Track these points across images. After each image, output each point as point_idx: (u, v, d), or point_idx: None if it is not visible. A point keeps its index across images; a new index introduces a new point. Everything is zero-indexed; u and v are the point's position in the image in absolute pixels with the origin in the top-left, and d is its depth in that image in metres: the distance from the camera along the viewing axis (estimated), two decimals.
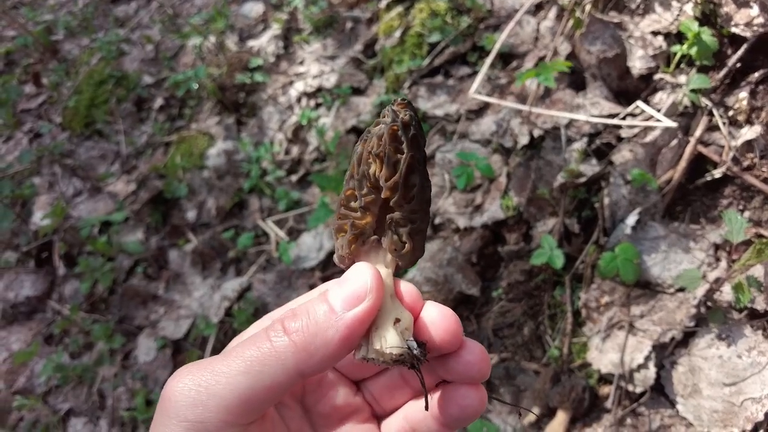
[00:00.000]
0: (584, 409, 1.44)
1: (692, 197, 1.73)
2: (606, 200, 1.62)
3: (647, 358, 1.43)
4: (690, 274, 1.41)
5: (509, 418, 1.55)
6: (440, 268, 1.74)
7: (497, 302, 1.72)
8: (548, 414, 1.50)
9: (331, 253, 2.13)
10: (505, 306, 1.70)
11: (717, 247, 1.55)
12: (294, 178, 2.41)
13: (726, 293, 1.47)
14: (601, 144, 1.78)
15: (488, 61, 1.98)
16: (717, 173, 1.66)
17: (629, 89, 1.83)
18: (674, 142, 1.66)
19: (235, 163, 2.60)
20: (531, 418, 1.51)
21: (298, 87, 2.62)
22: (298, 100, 2.58)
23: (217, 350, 2.21)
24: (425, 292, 1.73)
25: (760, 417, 1.31)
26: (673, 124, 1.64)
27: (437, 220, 1.92)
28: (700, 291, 1.46)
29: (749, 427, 1.32)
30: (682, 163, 1.64)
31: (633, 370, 1.43)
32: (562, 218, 1.67)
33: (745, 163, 1.66)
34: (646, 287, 1.58)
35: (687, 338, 1.47)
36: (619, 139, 1.75)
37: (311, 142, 2.44)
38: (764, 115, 1.60)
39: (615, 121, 1.72)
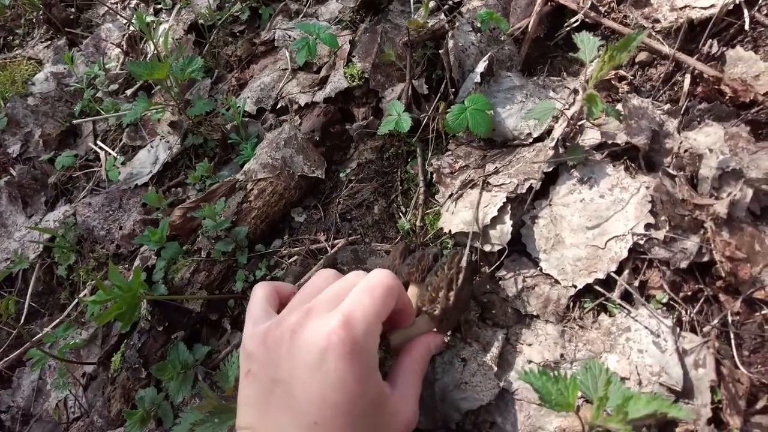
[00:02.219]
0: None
1: (553, 54, 1.53)
2: (451, 45, 1.37)
3: (502, 210, 1.20)
4: (543, 106, 1.19)
5: None
6: (277, 150, 1.44)
7: (347, 185, 1.45)
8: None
9: (167, 164, 1.78)
10: (355, 187, 1.43)
11: (577, 92, 1.35)
12: (129, 92, 2.03)
13: (589, 137, 1.27)
14: (452, 2, 1.54)
15: None
16: (575, 22, 1.47)
17: None
18: None
19: (65, 87, 2.18)
20: None
21: None
22: (136, 8, 2.20)
23: (39, 293, 1.81)
24: (262, 179, 1.43)
25: (624, 254, 1.11)
26: None
27: (279, 105, 1.62)
28: (558, 131, 1.26)
29: (614, 267, 1.11)
30: (536, 8, 1.44)
31: (487, 226, 1.20)
32: (409, 80, 1.42)
33: (603, 9, 1.48)
34: (503, 146, 1.36)
35: (547, 189, 1.26)
36: None
37: (149, 51, 2.07)
38: None
39: None
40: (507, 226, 1.19)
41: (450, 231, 1.23)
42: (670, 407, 0.75)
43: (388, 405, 0.73)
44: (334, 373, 0.64)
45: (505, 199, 1.20)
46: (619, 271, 1.12)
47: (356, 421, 0.64)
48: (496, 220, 1.20)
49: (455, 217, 1.24)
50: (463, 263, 1.12)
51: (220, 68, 1.92)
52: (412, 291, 1.20)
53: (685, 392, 1.00)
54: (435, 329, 1.14)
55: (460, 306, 1.11)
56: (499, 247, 1.19)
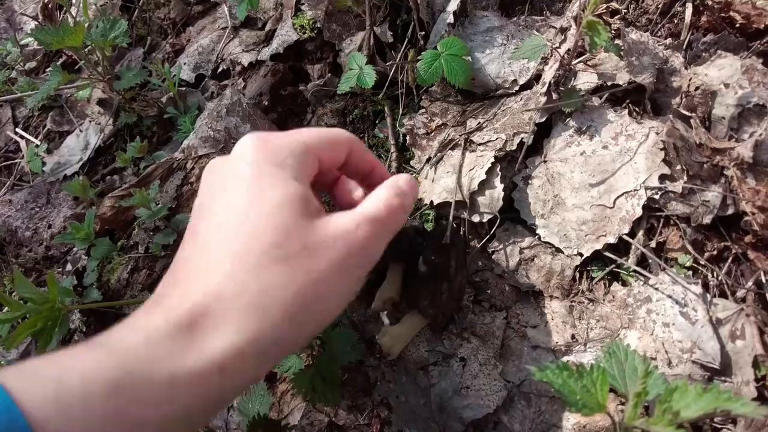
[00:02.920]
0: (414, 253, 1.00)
1: None
2: None
3: (490, 173, 1.00)
4: (532, 43, 0.99)
5: None
6: (219, 120, 1.21)
7: None
8: (380, 277, 1.05)
9: (99, 149, 1.53)
10: None
11: (565, 29, 1.15)
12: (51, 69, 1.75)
13: (584, 80, 1.08)
14: None
15: None
16: None
17: None
18: None
19: None
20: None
21: None
22: None
23: None
24: (203, 155, 1.20)
25: (637, 212, 0.94)
26: None
27: (220, 68, 1.39)
28: (550, 74, 1.06)
29: (626, 228, 0.94)
30: None
31: (474, 193, 1.01)
32: (370, 27, 1.20)
33: None
34: (485, 98, 1.16)
35: (540, 144, 1.07)
36: None
37: (70, 20, 1.79)
38: None
39: None
40: (497, 191, 1.00)
41: (432, 202, 1.03)
42: (731, 402, 0.58)
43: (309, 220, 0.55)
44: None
45: (493, 159, 1.01)
46: (632, 233, 0.94)
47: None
48: (484, 185, 1.00)
49: (436, 185, 1.04)
50: (453, 240, 0.93)
51: (153, 35, 1.66)
52: (393, 274, 1.01)
53: (723, 369, 0.83)
54: (428, 324, 0.95)
55: (454, 297, 0.92)
56: (490, 216, 1.00)
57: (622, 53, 1.01)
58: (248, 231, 0.51)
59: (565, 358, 0.90)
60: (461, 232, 0.98)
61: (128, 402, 0.42)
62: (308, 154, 0.60)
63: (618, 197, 0.96)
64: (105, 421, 0.41)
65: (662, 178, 0.94)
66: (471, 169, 1.02)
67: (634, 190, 0.95)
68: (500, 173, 1.01)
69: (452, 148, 1.08)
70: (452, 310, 0.94)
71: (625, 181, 0.96)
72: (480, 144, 1.05)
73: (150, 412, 0.43)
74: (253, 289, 0.48)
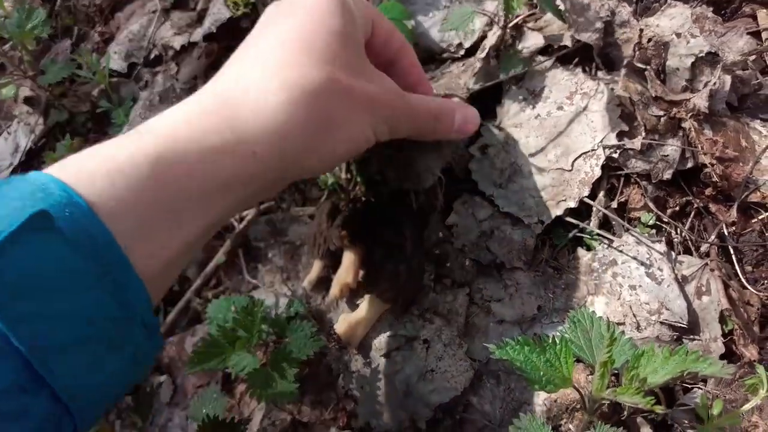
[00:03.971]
0: None
1: None
2: None
3: None
4: (460, 12, 0.92)
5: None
6: (152, 109, 1.12)
7: None
8: (334, 262, 0.99)
9: (30, 151, 1.42)
10: None
11: None
12: None
13: (530, 42, 1.02)
14: None
15: None
16: None
17: None
18: None
19: None
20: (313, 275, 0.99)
21: None
22: None
23: None
24: None
25: (597, 172, 0.90)
26: None
27: (153, 55, 1.29)
28: (491, 39, 1.00)
29: (586, 191, 0.89)
30: None
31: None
32: None
33: None
34: (431, 61, 1.09)
35: (492, 111, 1.01)
36: None
37: None
38: None
39: None
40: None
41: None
42: (698, 363, 0.55)
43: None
44: None
45: None
46: (592, 195, 0.90)
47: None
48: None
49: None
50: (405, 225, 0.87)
51: (80, 24, 1.54)
52: (348, 258, 0.95)
53: (691, 327, 0.80)
54: (389, 309, 0.90)
55: (414, 277, 0.87)
56: (432, 180, 0.94)
57: (566, 13, 0.96)
58: (298, 44, 0.53)
59: (531, 331, 0.86)
60: (414, 207, 0.93)
61: (174, 167, 0.46)
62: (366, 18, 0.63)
63: (576, 159, 0.91)
64: (153, 189, 0.45)
65: (620, 135, 0.90)
66: None
67: (592, 150, 0.90)
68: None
69: None
70: (413, 291, 0.89)
71: (583, 141, 0.91)
72: None
73: (194, 183, 0.47)
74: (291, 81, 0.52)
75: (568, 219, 0.91)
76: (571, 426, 0.76)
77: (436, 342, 0.86)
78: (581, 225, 0.90)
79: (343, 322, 0.88)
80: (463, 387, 0.82)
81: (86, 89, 1.39)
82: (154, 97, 1.11)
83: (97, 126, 1.36)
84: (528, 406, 0.80)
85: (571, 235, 0.92)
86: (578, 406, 0.75)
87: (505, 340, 0.60)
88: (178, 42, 1.19)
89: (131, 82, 1.31)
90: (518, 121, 0.97)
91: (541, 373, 0.59)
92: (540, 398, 0.79)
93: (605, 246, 0.89)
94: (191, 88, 1.13)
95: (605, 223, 0.90)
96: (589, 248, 0.91)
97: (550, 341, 0.61)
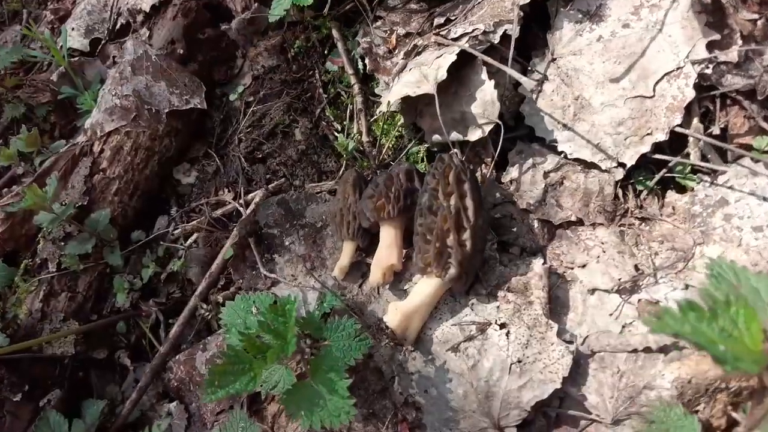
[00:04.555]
0: (415, 204, 0.75)
1: None
2: None
3: (472, 67, 0.76)
4: None
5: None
6: (124, 83, 0.92)
7: (245, 111, 0.96)
8: (368, 241, 0.80)
9: None
10: (258, 111, 0.94)
11: None
12: None
13: None
14: None
15: None
16: None
17: None
18: None
19: None
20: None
21: None
22: None
23: None
24: (112, 131, 0.91)
25: (688, 94, 0.72)
26: None
27: (119, 24, 1.08)
28: None
29: (678, 118, 0.72)
30: None
31: (453, 91, 0.76)
32: None
33: None
34: None
35: (543, 37, 0.83)
36: None
37: None
38: None
39: None
40: (489, 91, 0.75)
41: (389, 102, 0.77)
42: None
43: None
44: None
45: (467, 46, 0.76)
46: (685, 123, 0.73)
47: None
48: (469, 85, 0.76)
49: (395, 87, 0.79)
50: (461, 174, 0.68)
51: (30, 6, 1.32)
52: (389, 234, 0.76)
53: None
54: (450, 289, 0.71)
55: (478, 246, 0.68)
56: (490, 126, 0.76)
57: None
58: None
59: (635, 297, 0.68)
60: (461, 161, 0.74)
61: None
62: None
63: (657, 82, 0.73)
64: None
65: (710, 46, 0.73)
66: (438, 57, 0.76)
67: (677, 68, 0.72)
68: (485, 68, 0.77)
69: (418, 53, 0.83)
70: (479, 261, 0.70)
71: (663, 60, 0.74)
72: (453, 39, 0.80)
73: None
74: None
75: (656, 156, 0.74)
76: (712, 411, 0.58)
77: (516, 325, 0.68)
78: (675, 160, 0.72)
79: (395, 312, 0.69)
80: (562, 377, 0.64)
81: (44, 77, 1.18)
82: (125, 68, 0.91)
83: (62, 118, 1.15)
84: (650, 391, 0.62)
85: (659, 176, 0.74)
86: (722, 386, 0.58)
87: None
88: (147, 3, 0.99)
89: (96, 60, 1.11)
90: (576, 47, 0.79)
91: (721, 347, 0.41)
92: (667, 380, 0.61)
93: (707, 184, 0.72)
94: (169, 53, 0.93)
95: (703, 156, 0.73)
96: (683, 190, 0.74)
97: (722, 302, 0.43)
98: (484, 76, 0.75)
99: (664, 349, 0.63)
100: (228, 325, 0.69)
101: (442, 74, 0.72)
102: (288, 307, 0.60)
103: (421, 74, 0.74)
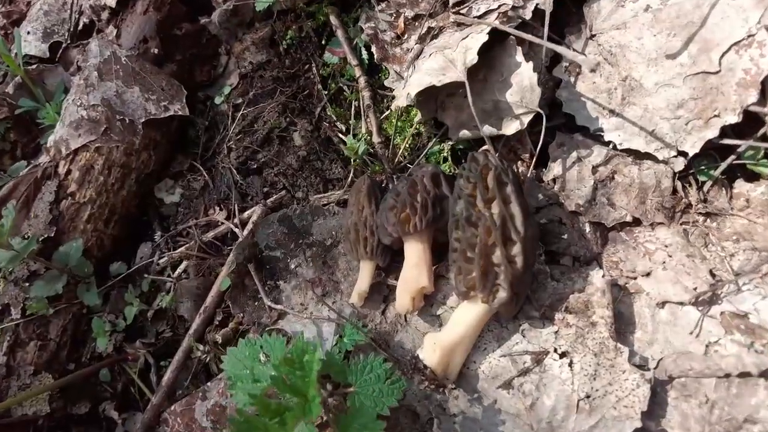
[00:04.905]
0: (444, 212, 0.64)
1: None
2: None
3: (503, 48, 0.65)
4: None
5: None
6: (90, 91, 0.79)
7: (233, 116, 0.83)
8: (390, 259, 0.68)
9: None
10: (248, 114, 0.82)
11: None
12: None
13: None
14: None
15: None
16: None
17: None
18: None
19: None
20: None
21: None
22: None
23: None
24: (80, 148, 0.78)
25: (765, 67, 0.61)
26: None
27: (81, 24, 0.95)
28: None
29: (753, 95, 0.61)
30: None
31: (484, 74, 0.65)
32: None
33: None
34: None
35: (578, 12, 0.72)
36: None
37: None
38: None
39: None
40: (527, 74, 0.64)
41: (408, 95, 0.65)
42: None
43: None
44: None
45: (497, 23, 0.64)
46: (760, 101, 0.62)
47: None
48: (502, 69, 0.65)
49: (415, 75, 0.66)
50: (502, 175, 0.57)
51: None
52: (415, 251, 0.64)
53: None
54: (498, 313, 0.60)
55: (530, 261, 0.57)
56: (530, 116, 0.64)
57: None
58: None
59: (716, 309, 0.58)
60: (500, 160, 0.62)
61: None
62: None
63: (724, 54, 0.62)
64: None
65: None
66: (464, 38, 0.65)
67: (748, 36, 0.62)
68: (520, 49, 0.65)
69: (435, 36, 0.71)
70: (529, 280, 0.59)
71: (728, 27, 0.63)
72: (476, 17, 0.68)
73: None
74: None
75: (723, 141, 0.63)
76: None
77: (581, 353, 0.57)
78: (747, 143, 0.62)
79: (434, 348, 0.58)
80: (640, 411, 0.53)
81: None
82: (90, 74, 0.78)
83: (23, 135, 1.02)
84: (752, 425, 0.51)
85: (726, 163, 0.64)
86: None
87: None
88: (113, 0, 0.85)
89: (57, 67, 0.98)
90: (620, 20, 0.68)
91: None
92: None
93: None
94: (142, 54, 0.80)
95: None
96: (754, 178, 0.64)
97: None
98: (519, 57, 0.64)
99: (766, 374, 0.52)
100: (232, 379, 0.57)
101: (472, 57, 0.61)
102: (307, 359, 0.48)
103: (446, 59, 0.63)
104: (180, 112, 0.80)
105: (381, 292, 0.70)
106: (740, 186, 0.64)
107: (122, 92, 0.78)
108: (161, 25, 0.82)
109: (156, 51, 0.81)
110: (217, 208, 0.78)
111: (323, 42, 0.82)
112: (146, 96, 0.79)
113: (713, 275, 0.60)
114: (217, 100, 0.84)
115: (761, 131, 0.62)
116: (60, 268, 0.74)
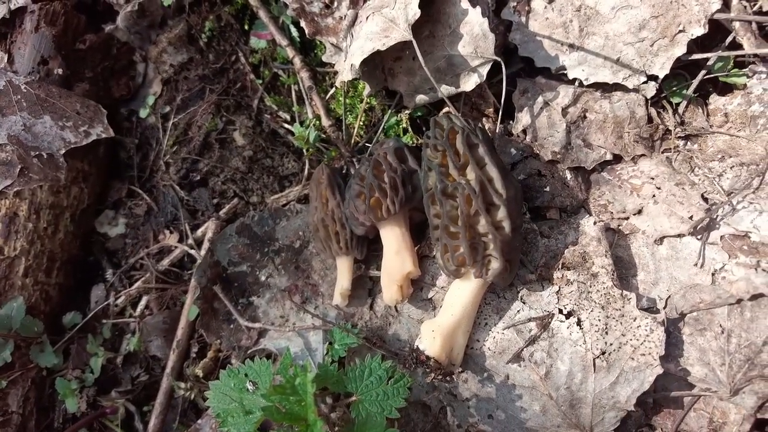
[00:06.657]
0: (416, 189, 0.59)
1: None
2: None
3: None
4: None
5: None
6: None
7: (163, 127, 0.76)
8: (367, 249, 0.63)
9: None
10: (180, 122, 0.75)
11: None
12: None
13: None
14: None
15: None
16: None
17: None
18: None
19: None
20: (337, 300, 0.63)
21: None
22: None
23: None
24: None
25: None
26: None
27: None
28: None
29: (715, 3, 0.58)
30: None
31: (428, 29, 0.60)
32: None
33: None
34: None
35: None
36: None
37: None
38: None
39: None
40: (477, 20, 0.59)
41: (352, 66, 0.60)
42: None
43: None
44: None
45: None
46: (724, 8, 0.59)
47: None
48: (444, 19, 0.60)
49: (354, 44, 0.61)
50: (471, 136, 0.52)
51: None
52: (393, 236, 0.59)
53: None
54: (493, 284, 0.56)
55: (517, 223, 0.53)
56: (487, 67, 0.60)
57: None
58: None
59: (716, 235, 0.55)
60: (461, 119, 0.57)
61: None
62: None
63: None
64: None
65: None
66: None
67: None
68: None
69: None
70: (520, 243, 0.55)
71: None
72: None
73: None
74: None
75: (693, 57, 0.60)
76: None
77: (587, 309, 0.54)
78: (716, 54, 0.59)
79: (433, 335, 0.54)
80: (658, 356, 0.51)
81: None
82: None
83: None
84: None
85: (697, 79, 0.61)
86: None
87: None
88: None
89: None
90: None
91: None
92: None
93: (762, 75, 0.58)
94: (44, 77, 0.71)
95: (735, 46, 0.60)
96: (727, 90, 0.61)
97: None
98: (465, 3, 0.59)
99: None
100: (221, 415, 0.51)
101: (415, 12, 0.55)
102: (299, 381, 0.43)
103: (386, 19, 0.57)
104: (104, 135, 0.72)
105: (364, 286, 0.66)
106: (715, 101, 0.61)
107: (31, 125, 0.70)
108: (59, 41, 0.73)
109: (60, 71, 0.72)
110: (167, 232, 0.71)
111: (246, 27, 0.75)
112: (61, 124, 0.70)
113: (706, 200, 0.57)
114: (143, 113, 0.76)
115: (728, 39, 0.59)
116: (4, 334, 0.66)
